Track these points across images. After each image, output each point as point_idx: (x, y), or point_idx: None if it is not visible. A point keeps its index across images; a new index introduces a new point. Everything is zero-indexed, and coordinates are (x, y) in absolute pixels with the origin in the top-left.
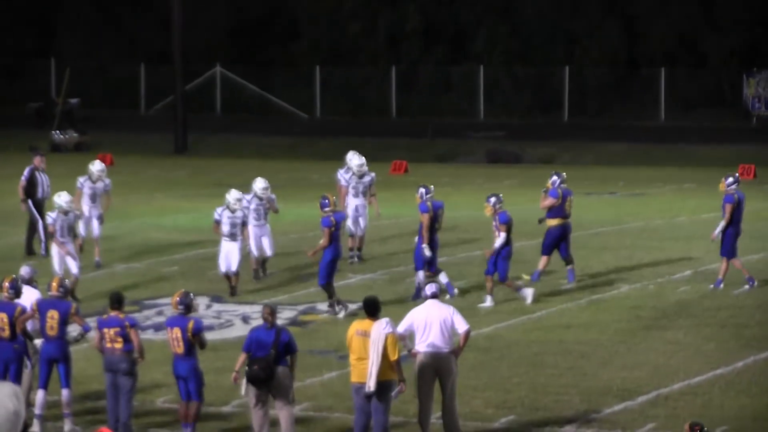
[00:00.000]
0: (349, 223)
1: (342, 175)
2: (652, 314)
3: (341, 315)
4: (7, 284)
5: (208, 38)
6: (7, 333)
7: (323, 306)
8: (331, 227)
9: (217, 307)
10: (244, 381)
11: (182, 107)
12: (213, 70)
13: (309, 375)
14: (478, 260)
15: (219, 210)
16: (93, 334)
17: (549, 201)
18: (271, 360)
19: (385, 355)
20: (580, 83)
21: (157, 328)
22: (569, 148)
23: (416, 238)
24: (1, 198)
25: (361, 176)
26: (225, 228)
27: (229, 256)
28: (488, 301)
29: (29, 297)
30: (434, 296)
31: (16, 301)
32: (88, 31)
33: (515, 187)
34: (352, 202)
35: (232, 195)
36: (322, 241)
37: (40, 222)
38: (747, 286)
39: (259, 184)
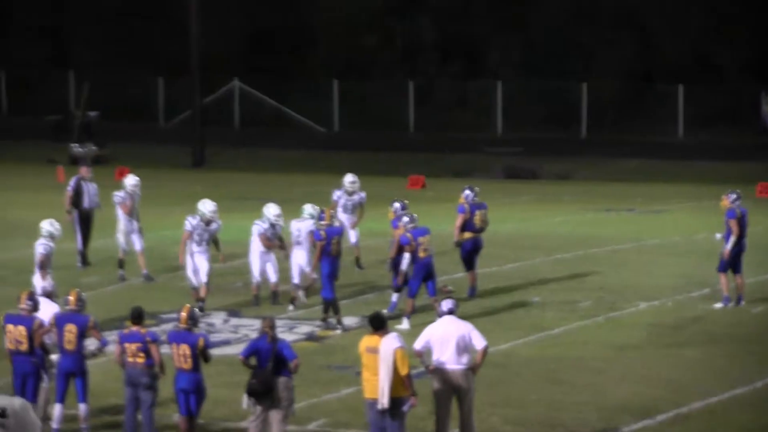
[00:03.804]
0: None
1: (335, 193)
2: (670, 331)
3: (339, 331)
4: (24, 297)
5: (226, 51)
6: (25, 346)
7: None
8: (321, 240)
9: (234, 321)
10: (244, 395)
11: (200, 120)
12: (231, 83)
13: (326, 390)
14: (495, 277)
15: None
16: (112, 348)
17: (459, 218)
18: (269, 373)
19: (395, 370)
20: (597, 98)
21: None
22: (586, 164)
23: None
24: (19, 210)
25: (350, 193)
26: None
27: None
28: (405, 324)
29: (48, 310)
30: (451, 312)
31: (35, 314)
32: (106, 43)
33: (532, 202)
34: (342, 219)
35: (207, 206)
36: (315, 257)
37: (79, 233)
38: (720, 304)
39: (273, 210)
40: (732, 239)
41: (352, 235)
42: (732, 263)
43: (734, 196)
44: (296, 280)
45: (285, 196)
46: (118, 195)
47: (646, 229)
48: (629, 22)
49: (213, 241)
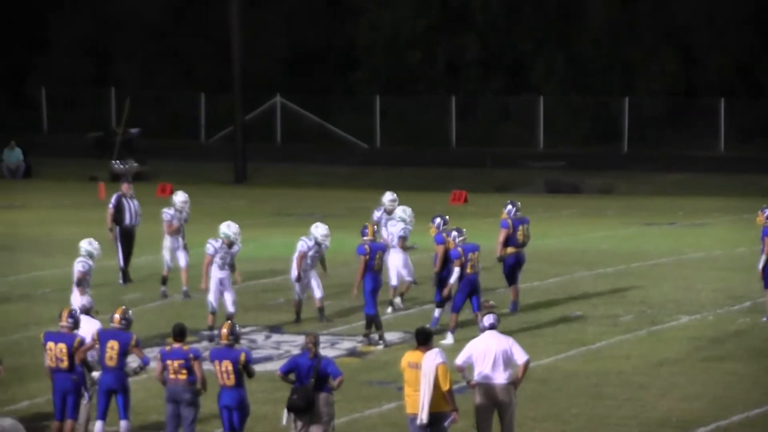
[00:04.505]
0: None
1: (375, 212)
2: (711, 345)
3: (381, 347)
4: (65, 314)
5: (267, 68)
6: (65, 364)
7: (386, 336)
8: (365, 255)
9: (276, 337)
10: (285, 411)
11: (242, 137)
12: (273, 100)
13: (368, 406)
14: (536, 291)
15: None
16: (154, 365)
17: (501, 233)
18: (310, 389)
19: (436, 385)
20: (638, 113)
21: None
22: (628, 178)
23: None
24: (61, 227)
25: (390, 212)
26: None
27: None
28: (449, 338)
29: (88, 327)
30: (492, 327)
31: (75, 332)
32: (147, 60)
33: (574, 217)
34: (384, 237)
35: (231, 228)
36: (358, 272)
37: (121, 250)
38: (764, 319)
39: (321, 230)
40: (763, 257)
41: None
42: None
43: None
44: (394, 282)
45: (327, 211)
46: (167, 212)
47: (687, 242)
48: (672, 38)
49: (230, 266)
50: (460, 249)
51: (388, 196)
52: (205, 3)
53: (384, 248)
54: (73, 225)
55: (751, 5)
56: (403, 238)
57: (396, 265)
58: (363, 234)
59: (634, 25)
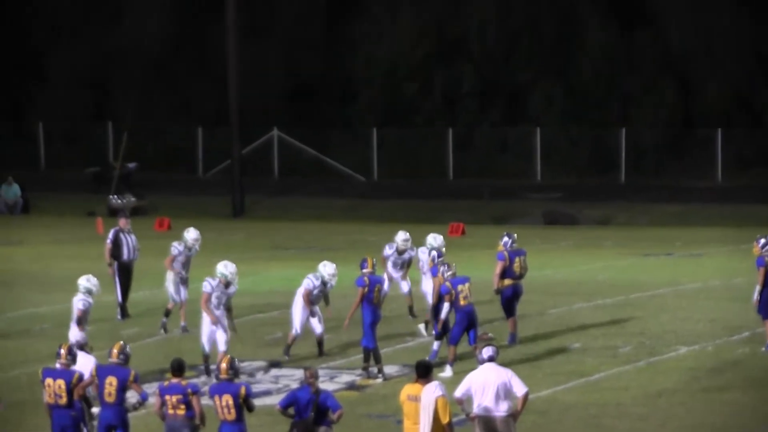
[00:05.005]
0: (385, 287)
1: (387, 248)
2: (710, 375)
3: (380, 380)
4: (63, 351)
5: (264, 101)
6: (64, 400)
7: (385, 369)
8: (364, 287)
9: (274, 372)
10: None
11: (239, 170)
12: (270, 133)
13: None
14: (534, 323)
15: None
16: (152, 400)
17: (498, 265)
18: (310, 423)
19: (436, 418)
20: (636, 143)
21: None
22: (626, 209)
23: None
24: (59, 263)
25: (401, 252)
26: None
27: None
28: (448, 371)
29: (84, 363)
30: (491, 359)
31: (73, 368)
32: (145, 94)
33: (572, 248)
34: (391, 273)
35: (228, 268)
36: (354, 303)
37: (119, 285)
38: (763, 349)
39: (329, 269)
40: (758, 287)
41: (404, 286)
42: None
43: (764, 241)
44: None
45: (325, 245)
46: (177, 247)
47: (685, 273)
48: (670, 68)
49: (226, 308)
50: (448, 284)
51: (401, 236)
52: (203, 36)
53: (383, 281)
54: (72, 260)
55: (748, 35)
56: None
57: (428, 290)
58: (362, 266)
59: (633, 55)
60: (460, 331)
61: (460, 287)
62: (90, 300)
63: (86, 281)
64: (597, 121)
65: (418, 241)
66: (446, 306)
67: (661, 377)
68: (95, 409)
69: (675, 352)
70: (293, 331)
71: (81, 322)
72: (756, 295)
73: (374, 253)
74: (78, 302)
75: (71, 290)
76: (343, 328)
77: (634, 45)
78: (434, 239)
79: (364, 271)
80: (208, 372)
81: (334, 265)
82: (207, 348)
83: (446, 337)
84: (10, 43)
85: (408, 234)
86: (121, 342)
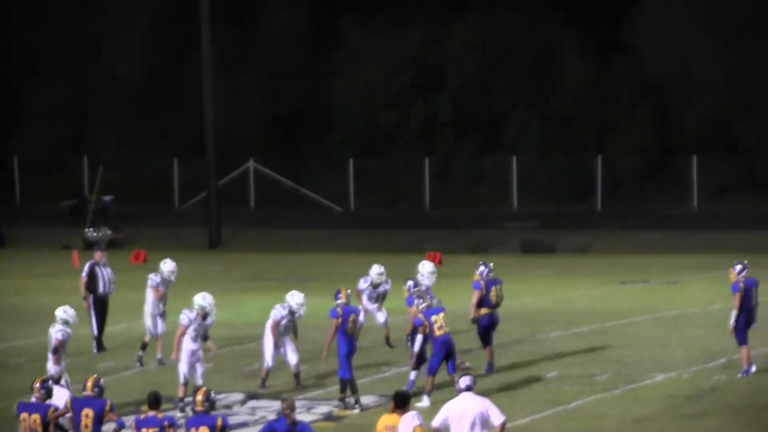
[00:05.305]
0: (361, 317)
1: (362, 281)
2: (687, 403)
3: (357, 410)
4: (38, 385)
5: (241, 132)
6: None
7: (362, 399)
8: (337, 318)
9: (252, 403)
10: None
11: (216, 202)
12: (246, 164)
13: None
14: (512, 352)
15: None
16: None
17: (474, 294)
18: None
19: None
20: (613, 171)
21: None
22: (603, 237)
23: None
24: (35, 296)
25: (376, 286)
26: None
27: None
28: (425, 401)
29: (59, 397)
30: (469, 389)
31: (48, 401)
32: (121, 126)
33: (549, 276)
34: (366, 306)
35: (207, 300)
36: (329, 334)
37: (95, 319)
38: (740, 375)
39: (297, 299)
40: (734, 312)
41: (380, 317)
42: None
43: (739, 267)
44: None
45: (302, 275)
46: (153, 279)
47: (661, 300)
48: (646, 96)
49: (203, 338)
50: (421, 316)
51: (375, 270)
52: (180, 68)
53: (358, 311)
54: (48, 294)
55: (724, 64)
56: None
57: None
58: (336, 297)
59: (610, 83)
60: (438, 362)
61: (434, 318)
62: (68, 330)
63: (63, 312)
64: (574, 149)
65: (394, 273)
66: (419, 338)
67: (639, 405)
68: None
69: (652, 380)
70: (265, 364)
71: (57, 351)
72: (732, 321)
73: (352, 284)
74: (57, 333)
75: (47, 324)
76: (321, 357)
77: (611, 73)
78: (422, 266)
79: (338, 302)
80: (183, 401)
81: (303, 294)
82: (187, 375)
83: (424, 368)
84: None
85: (383, 267)
86: (95, 375)
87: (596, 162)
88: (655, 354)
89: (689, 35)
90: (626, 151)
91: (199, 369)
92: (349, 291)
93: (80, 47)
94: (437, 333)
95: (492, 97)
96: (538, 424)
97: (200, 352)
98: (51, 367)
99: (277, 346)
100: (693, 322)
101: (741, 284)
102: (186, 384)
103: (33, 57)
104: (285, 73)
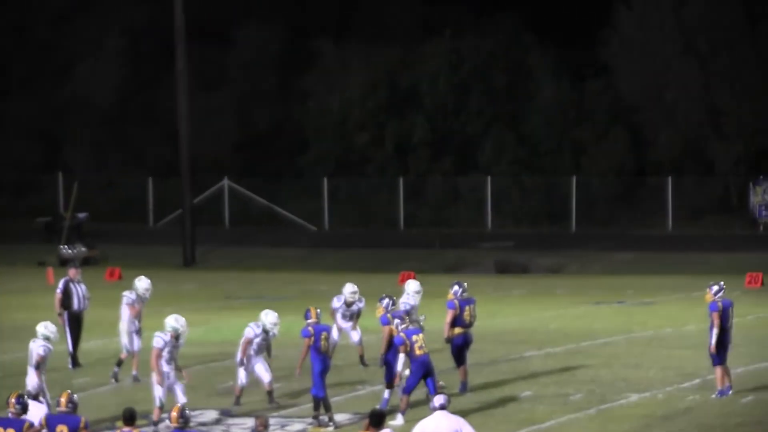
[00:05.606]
0: (334, 335)
1: (335, 300)
2: (661, 423)
3: (331, 428)
4: (13, 400)
5: (215, 151)
6: None
7: (336, 417)
8: (309, 337)
9: (226, 420)
10: None
11: (190, 220)
12: (221, 183)
13: None
14: (486, 371)
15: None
16: None
17: (448, 314)
18: None
19: None
20: (587, 192)
21: None
22: (577, 258)
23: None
24: (10, 313)
25: (349, 305)
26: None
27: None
28: (399, 419)
29: (35, 412)
30: (443, 408)
31: (24, 416)
32: (95, 145)
33: (524, 296)
34: (340, 324)
35: (179, 321)
36: (301, 353)
37: (69, 335)
38: (714, 396)
39: (271, 318)
40: (715, 332)
41: (354, 335)
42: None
43: (716, 288)
44: None
45: (277, 294)
46: (128, 296)
47: (636, 321)
48: (621, 118)
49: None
50: (402, 335)
51: (348, 288)
52: (154, 87)
53: (329, 329)
54: (23, 310)
55: (698, 85)
56: (406, 313)
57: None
58: (306, 317)
59: (584, 104)
60: (415, 381)
61: (414, 337)
62: (50, 346)
63: (44, 328)
64: (548, 170)
65: (367, 293)
66: (401, 357)
67: (612, 425)
68: None
69: (626, 400)
70: (239, 382)
71: (39, 366)
72: (714, 341)
73: (326, 303)
74: (39, 348)
75: (22, 340)
76: (295, 375)
77: (585, 95)
78: (407, 285)
79: (309, 321)
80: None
81: (276, 314)
82: (163, 398)
83: (398, 387)
84: None
85: (356, 286)
86: (69, 391)
87: (571, 183)
88: (630, 374)
89: (663, 56)
90: (601, 172)
91: (180, 387)
92: (318, 310)
93: (53, 66)
94: (417, 352)
95: (466, 118)
96: None
97: (173, 374)
98: (29, 382)
99: (243, 363)
100: (667, 343)
101: (719, 303)
102: (161, 407)
103: (6, 76)
104: (260, 93)
